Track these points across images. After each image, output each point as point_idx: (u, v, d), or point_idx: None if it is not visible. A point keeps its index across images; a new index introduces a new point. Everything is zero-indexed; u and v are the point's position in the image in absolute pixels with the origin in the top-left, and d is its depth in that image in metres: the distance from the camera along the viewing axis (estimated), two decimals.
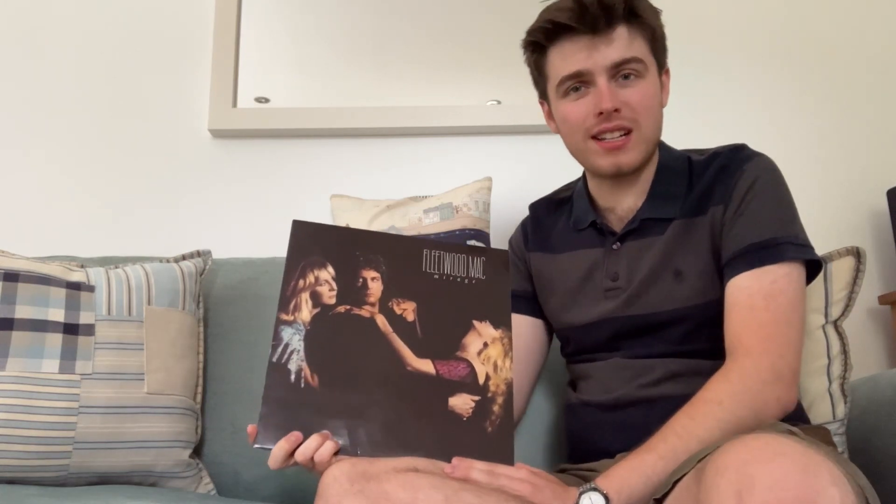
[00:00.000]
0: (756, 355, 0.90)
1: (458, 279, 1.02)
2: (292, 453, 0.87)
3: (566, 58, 1.02)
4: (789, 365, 0.91)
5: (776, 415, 0.89)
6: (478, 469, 0.84)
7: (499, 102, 1.79)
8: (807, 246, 0.97)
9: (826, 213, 1.76)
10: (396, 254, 1.02)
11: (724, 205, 1.00)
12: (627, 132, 1.00)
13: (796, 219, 1.00)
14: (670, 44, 1.08)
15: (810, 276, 1.00)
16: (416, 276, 1.01)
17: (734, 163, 1.03)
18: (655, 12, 1.04)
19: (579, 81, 1.02)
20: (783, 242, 0.96)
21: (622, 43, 0.99)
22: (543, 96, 1.12)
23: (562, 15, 1.00)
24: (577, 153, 1.07)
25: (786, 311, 0.93)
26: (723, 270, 0.99)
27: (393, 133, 1.81)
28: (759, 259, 0.95)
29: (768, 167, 1.02)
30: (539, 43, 1.06)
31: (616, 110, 0.99)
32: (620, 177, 1.05)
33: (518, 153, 1.80)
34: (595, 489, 0.83)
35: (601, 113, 0.99)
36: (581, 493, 0.83)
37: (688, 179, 1.06)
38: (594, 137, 1.02)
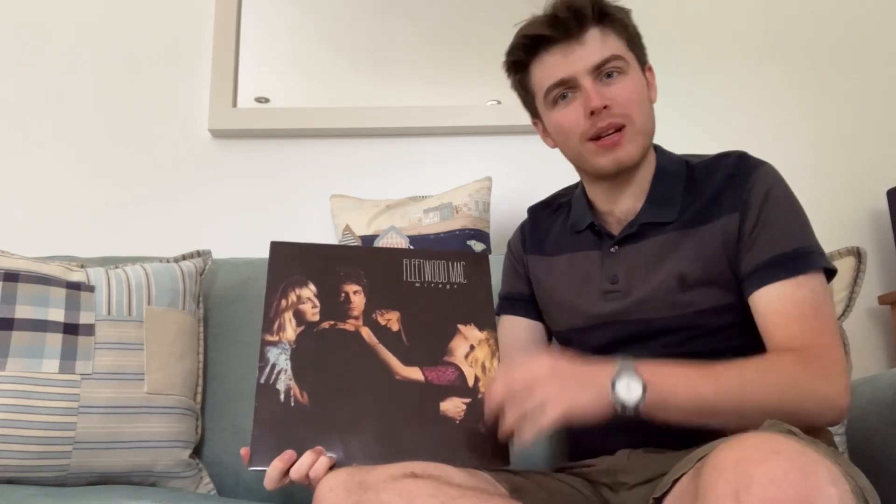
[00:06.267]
0: (817, 359, 0.90)
1: (440, 285, 1.03)
2: (287, 472, 0.87)
3: (547, 68, 1.03)
4: (847, 375, 0.90)
5: (825, 422, 0.89)
6: (504, 382, 0.85)
7: (499, 102, 1.79)
8: (824, 254, 0.98)
9: (826, 213, 1.76)
10: (376, 266, 1.03)
11: (739, 213, 0.99)
12: (620, 128, 1.01)
13: (809, 228, 1.00)
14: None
15: None
16: (398, 286, 1.02)
17: (742, 171, 1.02)
18: (625, 11, 1.06)
19: (565, 88, 1.03)
20: (811, 252, 0.96)
21: (597, 44, 1.01)
22: (535, 115, 1.13)
23: (534, 28, 1.03)
24: (576, 158, 1.07)
25: (832, 322, 0.94)
26: (744, 281, 0.98)
27: (393, 133, 1.81)
28: (793, 269, 0.95)
29: (777, 176, 1.02)
30: (520, 61, 1.08)
31: (605, 107, 0.99)
32: (619, 177, 1.05)
33: (518, 153, 1.80)
34: (634, 373, 0.82)
35: (592, 113, 1.00)
36: (616, 377, 0.82)
37: (686, 183, 1.06)
38: (590, 139, 1.02)
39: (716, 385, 0.85)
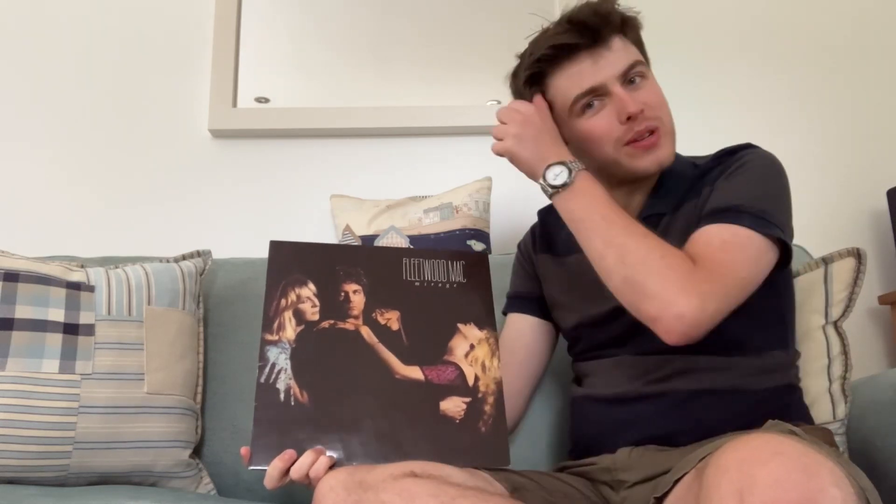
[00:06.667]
0: (700, 271, 0.88)
1: (440, 284, 1.03)
2: (288, 471, 0.87)
3: (573, 77, 1.04)
4: (710, 311, 0.86)
5: (657, 316, 0.88)
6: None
7: (499, 102, 1.79)
8: (771, 223, 0.95)
9: (826, 213, 1.76)
10: (376, 265, 1.03)
11: (712, 185, 1.03)
12: (654, 130, 1.02)
13: (771, 200, 0.98)
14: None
15: (782, 265, 0.99)
16: (398, 286, 1.02)
17: (734, 152, 1.06)
18: (638, 20, 1.08)
19: (593, 96, 1.03)
20: (745, 211, 0.94)
21: (621, 51, 1.03)
22: None
23: (562, 37, 1.03)
24: (608, 164, 1.06)
25: (737, 264, 0.90)
26: None
27: (393, 133, 1.81)
28: (719, 218, 0.95)
29: (765, 156, 1.03)
30: (539, 73, 1.07)
31: (641, 111, 1.01)
32: (641, 179, 1.07)
33: None
34: (570, 175, 0.97)
35: (629, 118, 1.01)
36: (556, 165, 0.98)
37: (690, 182, 1.08)
38: (627, 143, 1.02)
39: (615, 222, 0.93)
